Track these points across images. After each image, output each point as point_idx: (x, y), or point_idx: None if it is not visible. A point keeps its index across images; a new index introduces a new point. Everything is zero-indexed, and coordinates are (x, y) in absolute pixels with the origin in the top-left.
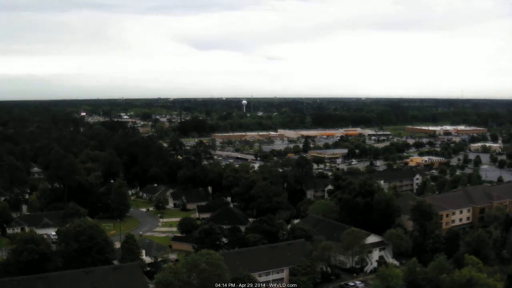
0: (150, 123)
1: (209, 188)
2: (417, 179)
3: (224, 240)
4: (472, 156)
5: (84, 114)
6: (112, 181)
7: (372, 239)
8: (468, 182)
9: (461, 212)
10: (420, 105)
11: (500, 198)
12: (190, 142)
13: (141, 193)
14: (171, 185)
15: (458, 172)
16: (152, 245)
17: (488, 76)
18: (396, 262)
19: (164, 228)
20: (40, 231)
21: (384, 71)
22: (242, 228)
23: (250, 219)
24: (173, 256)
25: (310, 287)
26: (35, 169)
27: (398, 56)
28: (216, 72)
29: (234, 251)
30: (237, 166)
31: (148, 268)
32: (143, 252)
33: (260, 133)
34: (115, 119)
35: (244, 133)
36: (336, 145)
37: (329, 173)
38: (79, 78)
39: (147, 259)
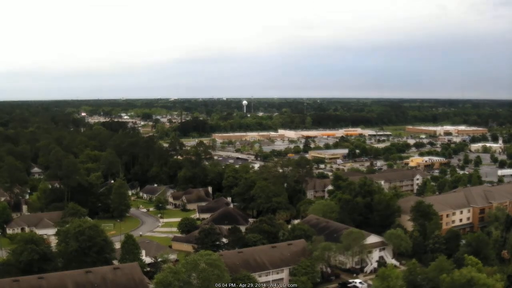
0: (150, 123)
1: (209, 188)
2: (418, 179)
3: (224, 240)
4: (472, 156)
5: (84, 114)
6: (112, 181)
7: (372, 239)
8: (468, 182)
9: (461, 212)
10: (421, 105)
11: (500, 198)
12: (190, 142)
13: (141, 193)
14: (171, 185)
15: (458, 172)
16: (152, 245)
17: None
18: (396, 262)
19: (164, 228)
20: (40, 231)
21: None
22: (242, 228)
23: (250, 219)
24: (173, 256)
25: (310, 287)
26: (35, 169)
27: None
28: None
29: (234, 251)
30: (237, 166)
31: (148, 268)
32: (143, 252)
33: (261, 133)
34: (116, 120)
35: (244, 134)
36: (336, 145)
37: (330, 173)
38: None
39: (147, 259)
